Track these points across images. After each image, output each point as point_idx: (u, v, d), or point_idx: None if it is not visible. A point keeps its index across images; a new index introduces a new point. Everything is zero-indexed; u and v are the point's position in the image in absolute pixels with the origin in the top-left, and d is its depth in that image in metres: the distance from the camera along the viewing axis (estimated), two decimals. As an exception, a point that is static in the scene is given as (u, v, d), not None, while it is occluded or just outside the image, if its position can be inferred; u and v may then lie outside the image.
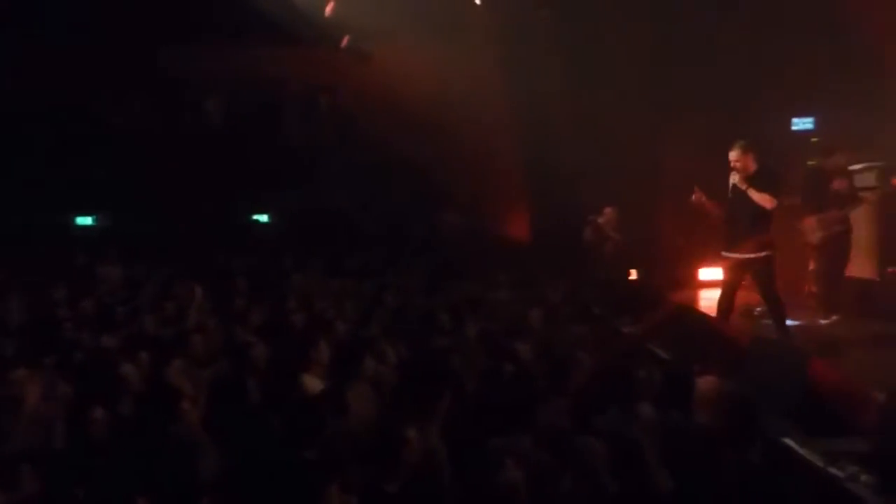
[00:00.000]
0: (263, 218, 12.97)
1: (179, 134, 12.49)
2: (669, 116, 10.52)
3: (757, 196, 6.91)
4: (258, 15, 11.43)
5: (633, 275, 10.77)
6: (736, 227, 7.17)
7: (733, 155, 7.04)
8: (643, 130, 10.83)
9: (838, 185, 8.57)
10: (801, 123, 11.31)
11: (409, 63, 11.32)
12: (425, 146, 12.64)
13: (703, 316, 8.06)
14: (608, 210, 10.93)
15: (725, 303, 7.38)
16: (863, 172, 9.01)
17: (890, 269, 9.08)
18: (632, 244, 10.75)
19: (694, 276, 10.68)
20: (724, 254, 7.37)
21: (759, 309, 8.65)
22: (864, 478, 3.96)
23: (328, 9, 11.73)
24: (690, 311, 8.06)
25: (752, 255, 7.04)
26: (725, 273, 7.52)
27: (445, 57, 11.57)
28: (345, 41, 12.43)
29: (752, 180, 6.97)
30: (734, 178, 7.04)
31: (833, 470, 4.13)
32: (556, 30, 11.76)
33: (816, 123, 11.20)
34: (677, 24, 10.88)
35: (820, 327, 8.07)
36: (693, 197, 7.29)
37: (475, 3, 11.92)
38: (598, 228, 10.91)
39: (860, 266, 9.05)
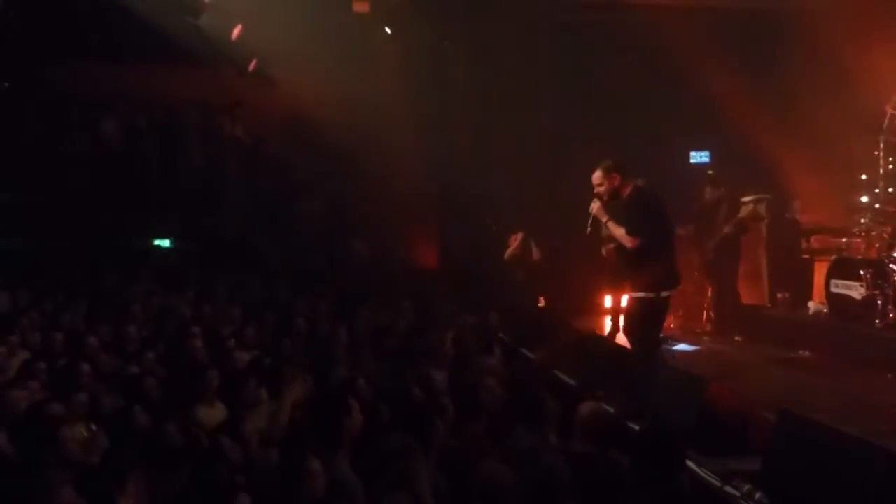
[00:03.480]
0: (165, 243, 12.54)
1: (75, 155, 11.98)
2: (572, 146, 10.78)
3: (615, 231, 5.83)
4: (163, 36, 11.17)
5: (541, 302, 10.91)
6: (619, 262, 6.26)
7: (596, 177, 5.90)
8: (547, 160, 11.08)
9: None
10: (699, 156, 11.81)
11: (316, 89, 11.24)
12: (331, 172, 12.55)
13: (607, 341, 8.23)
14: (516, 236, 11.05)
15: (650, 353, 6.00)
16: (753, 204, 9.46)
17: (779, 295, 9.55)
18: (546, 269, 10.87)
19: (599, 302, 10.92)
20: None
21: (661, 334, 8.92)
22: (757, 496, 4.09)
23: (235, 32, 11.56)
24: (595, 338, 8.20)
25: (633, 295, 5.99)
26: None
27: (353, 83, 11.57)
28: (252, 65, 12.26)
29: (617, 209, 5.89)
30: (593, 207, 5.88)
31: (729, 489, 4.26)
32: (462, 59, 11.98)
33: (712, 157, 11.72)
34: (578, 59, 11.23)
35: (716, 351, 8.36)
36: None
37: (384, 31, 12.00)
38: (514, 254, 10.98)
39: (752, 292, 9.47)
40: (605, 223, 5.85)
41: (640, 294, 5.82)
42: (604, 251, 6.40)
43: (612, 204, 5.88)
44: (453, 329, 7.49)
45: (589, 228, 5.96)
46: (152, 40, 11.28)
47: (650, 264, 5.78)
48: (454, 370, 6.45)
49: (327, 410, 4.36)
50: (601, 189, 5.86)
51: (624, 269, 6.12)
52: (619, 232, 5.80)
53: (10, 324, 7.36)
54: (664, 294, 5.83)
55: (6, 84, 12.72)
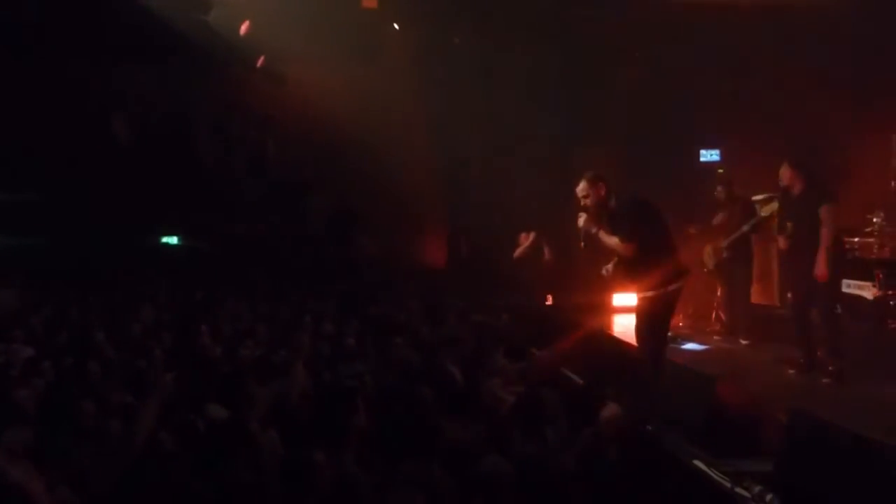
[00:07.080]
0: (173, 240, 12.56)
1: (84, 152, 11.99)
2: (582, 144, 10.73)
3: (608, 241, 5.81)
4: (171, 33, 11.17)
5: (549, 300, 10.86)
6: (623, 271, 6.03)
7: (581, 188, 5.91)
8: (556, 157, 11.03)
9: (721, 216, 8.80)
10: (708, 155, 11.71)
11: (325, 85, 11.23)
12: (340, 169, 12.53)
13: (616, 340, 8.18)
14: (527, 235, 10.98)
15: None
16: (764, 202, 9.37)
17: (789, 295, 9.45)
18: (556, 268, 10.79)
19: (608, 300, 10.85)
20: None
21: (669, 333, 8.85)
22: (768, 497, 4.05)
23: (243, 28, 11.55)
24: (603, 336, 8.15)
25: (641, 295, 5.94)
26: None
27: (362, 79, 11.55)
28: (260, 62, 12.24)
29: (610, 218, 5.86)
30: (581, 220, 5.89)
31: (740, 490, 4.21)
32: (470, 55, 11.93)
33: (722, 155, 11.64)
34: (588, 57, 11.18)
35: (726, 351, 8.29)
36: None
37: (392, 27, 11.97)
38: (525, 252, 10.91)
39: (763, 292, 9.39)
40: (597, 234, 5.81)
41: (649, 293, 5.76)
42: (604, 272, 6.27)
43: (601, 214, 5.82)
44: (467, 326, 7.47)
45: (582, 243, 5.93)
46: (161, 37, 11.29)
47: (652, 266, 5.73)
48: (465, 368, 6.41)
49: (334, 408, 4.34)
50: (587, 200, 5.84)
51: (629, 276, 5.99)
52: (612, 241, 5.77)
53: (17, 321, 7.37)
54: (671, 288, 5.76)
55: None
